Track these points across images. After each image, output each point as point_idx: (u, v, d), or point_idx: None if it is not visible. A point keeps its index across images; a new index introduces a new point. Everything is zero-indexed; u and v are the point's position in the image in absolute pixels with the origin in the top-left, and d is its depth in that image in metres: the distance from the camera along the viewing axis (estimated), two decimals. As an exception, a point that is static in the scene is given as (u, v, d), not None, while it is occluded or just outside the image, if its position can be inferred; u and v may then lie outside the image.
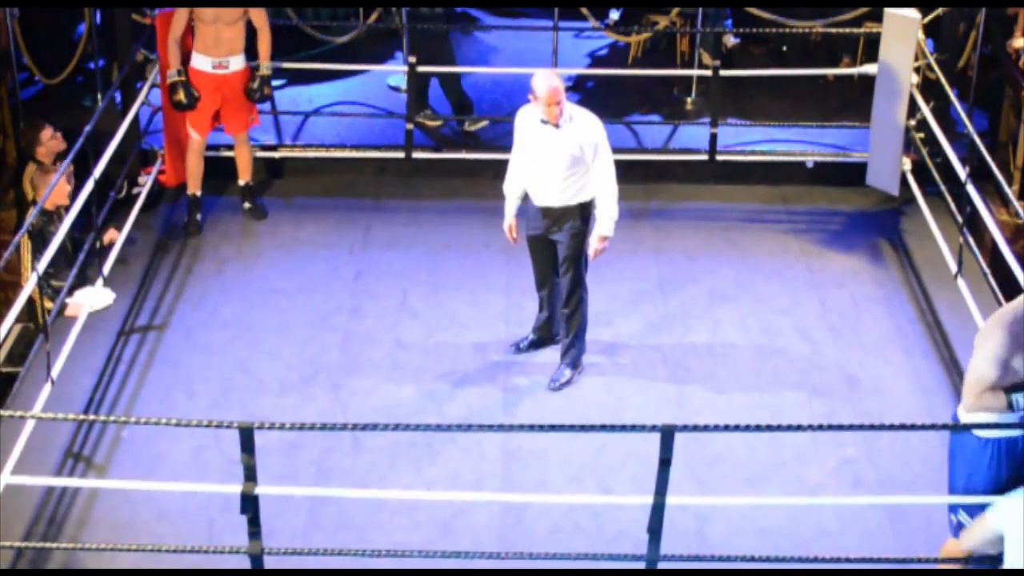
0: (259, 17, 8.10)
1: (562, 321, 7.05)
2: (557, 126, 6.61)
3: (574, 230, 6.81)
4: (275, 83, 9.68)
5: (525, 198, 6.95)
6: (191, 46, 8.09)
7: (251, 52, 8.25)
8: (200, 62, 8.05)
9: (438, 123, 9.35)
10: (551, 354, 7.22)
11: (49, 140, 7.94)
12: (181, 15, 7.94)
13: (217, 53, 8.02)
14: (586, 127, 6.64)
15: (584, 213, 6.81)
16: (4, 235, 7.95)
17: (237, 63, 8.11)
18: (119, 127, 8.12)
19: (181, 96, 8.02)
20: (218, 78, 8.07)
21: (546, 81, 6.55)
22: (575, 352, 7.08)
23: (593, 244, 6.78)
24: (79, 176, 7.57)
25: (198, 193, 8.38)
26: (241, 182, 8.49)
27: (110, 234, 7.81)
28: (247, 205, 8.49)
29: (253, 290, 7.88)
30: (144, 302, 7.76)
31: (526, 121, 6.76)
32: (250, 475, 5.16)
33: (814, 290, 7.91)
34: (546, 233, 6.90)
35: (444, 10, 9.15)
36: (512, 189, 6.93)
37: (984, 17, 8.82)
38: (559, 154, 6.65)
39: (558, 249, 6.91)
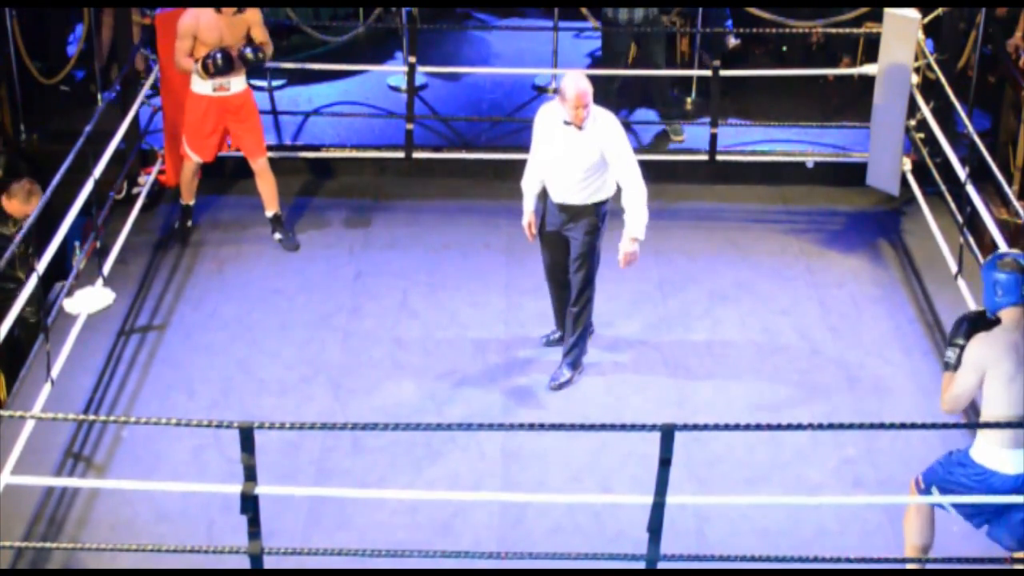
0: (260, 33, 8.00)
1: (568, 320, 7.04)
2: (581, 128, 6.62)
3: (589, 227, 6.81)
4: (275, 83, 9.71)
5: (543, 195, 6.95)
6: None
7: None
8: (200, 86, 7.95)
9: (681, 138, 9.22)
10: (552, 354, 7.22)
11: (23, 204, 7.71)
12: (185, 41, 7.81)
13: (217, 75, 7.96)
14: (608, 129, 6.65)
15: (600, 211, 6.82)
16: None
17: (238, 84, 8.00)
18: (119, 127, 8.12)
19: (219, 61, 7.76)
20: (220, 101, 7.97)
21: (575, 84, 6.55)
22: (576, 352, 7.08)
23: (624, 247, 6.73)
24: (79, 175, 7.55)
25: (191, 203, 8.37)
26: (268, 213, 8.30)
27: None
28: (278, 236, 8.29)
29: (253, 290, 7.88)
30: (144, 302, 7.76)
31: (548, 120, 6.75)
32: (250, 475, 5.16)
33: (814, 290, 7.91)
34: (561, 228, 6.91)
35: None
36: (530, 186, 6.93)
37: (984, 17, 8.82)
38: (582, 155, 6.65)
39: (572, 245, 6.91)
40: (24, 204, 7.53)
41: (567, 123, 6.63)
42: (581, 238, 6.84)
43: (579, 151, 6.65)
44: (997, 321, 5.35)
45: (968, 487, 5.35)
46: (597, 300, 7.21)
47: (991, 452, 5.30)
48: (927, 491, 5.50)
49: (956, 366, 5.36)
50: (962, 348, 5.36)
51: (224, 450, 6.52)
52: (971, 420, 6.49)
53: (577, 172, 6.70)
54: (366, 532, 6.09)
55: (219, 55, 7.76)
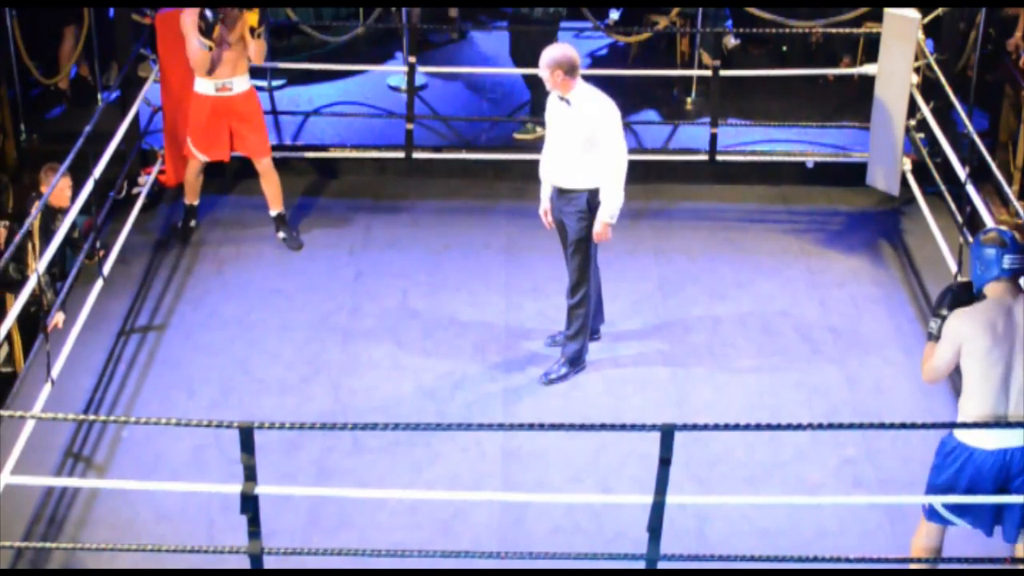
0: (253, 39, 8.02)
1: (566, 313, 7.04)
2: (568, 102, 6.67)
3: (580, 214, 6.81)
4: (275, 83, 9.72)
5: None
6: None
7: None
8: (203, 85, 7.94)
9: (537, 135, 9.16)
10: (554, 354, 7.22)
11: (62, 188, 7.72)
12: (195, 34, 7.77)
13: (220, 75, 7.93)
14: (597, 109, 6.69)
15: (593, 200, 6.82)
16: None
17: (241, 84, 7.99)
18: (119, 127, 8.12)
19: (208, 18, 7.69)
20: (222, 101, 7.97)
21: (549, 51, 6.67)
22: (574, 347, 7.07)
23: (596, 229, 6.79)
24: (79, 175, 7.56)
25: (196, 203, 8.37)
26: (272, 212, 8.29)
27: (57, 318, 7.27)
28: (281, 235, 8.29)
29: (253, 290, 7.88)
30: (144, 302, 7.76)
31: (551, 101, 6.84)
32: (250, 475, 5.16)
33: (814, 290, 7.91)
34: (560, 215, 6.93)
35: (554, 10, 9.07)
36: (543, 173, 6.98)
37: (984, 17, 8.81)
38: (570, 131, 6.70)
39: (567, 232, 6.92)
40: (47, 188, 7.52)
41: (560, 99, 6.71)
42: (574, 225, 6.85)
43: (568, 126, 6.70)
44: (982, 295, 5.38)
45: (956, 473, 5.34)
46: (603, 300, 7.22)
47: (970, 429, 5.32)
48: (930, 507, 5.49)
49: (938, 336, 5.41)
50: (944, 319, 5.40)
51: (224, 450, 6.52)
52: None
53: (568, 148, 6.73)
54: (366, 532, 6.09)
55: (208, 14, 7.71)
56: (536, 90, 9.12)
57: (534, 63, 8.97)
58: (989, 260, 5.32)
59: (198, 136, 8.08)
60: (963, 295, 5.43)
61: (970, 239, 7.66)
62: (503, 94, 9.72)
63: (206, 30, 7.75)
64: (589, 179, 6.77)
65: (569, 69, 6.64)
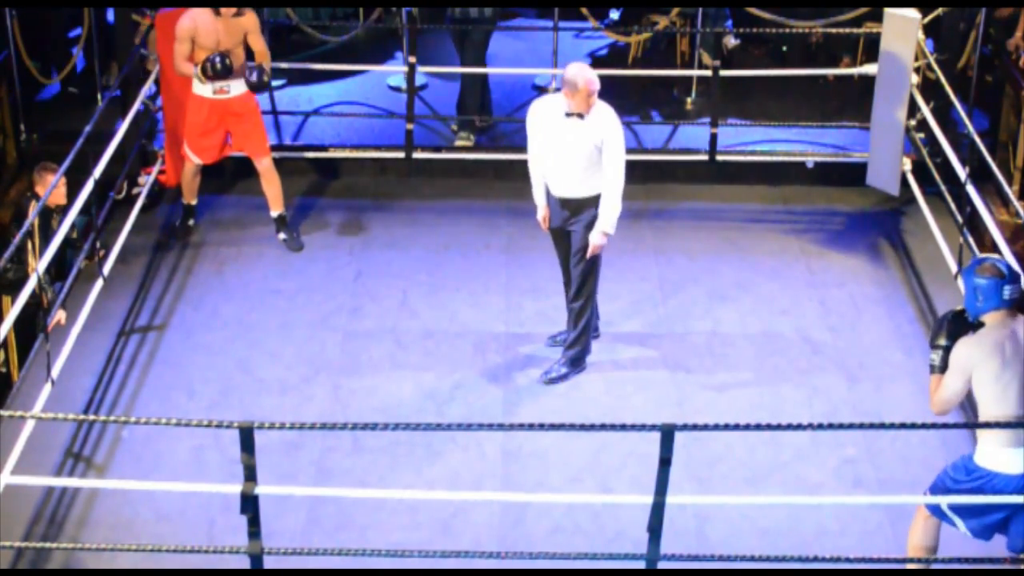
0: (257, 41, 8.01)
1: (568, 315, 7.04)
2: (582, 117, 6.64)
3: (590, 220, 6.82)
4: (275, 83, 9.70)
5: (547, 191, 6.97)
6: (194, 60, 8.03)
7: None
8: (201, 88, 7.95)
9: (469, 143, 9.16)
10: (554, 354, 7.22)
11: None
12: (183, 44, 7.82)
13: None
14: (609, 119, 6.68)
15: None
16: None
17: (238, 87, 7.99)
18: (119, 127, 8.12)
19: (217, 65, 7.75)
20: (221, 103, 7.97)
21: (584, 73, 6.59)
22: (577, 349, 7.07)
23: (593, 239, 6.79)
24: (78, 175, 7.55)
25: (194, 202, 8.37)
26: (273, 213, 8.28)
27: (59, 315, 7.28)
28: (282, 236, 8.28)
29: (253, 290, 7.88)
30: (144, 302, 7.76)
31: (545, 114, 6.78)
32: (250, 475, 5.16)
33: (814, 290, 7.91)
34: (564, 224, 6.92)
35: (493, 11, 9.06)
36: (536, 180, 6.96)
37: (984, 17, 8.82)
38: (584, 145, 6.68)
39: (572, 239, 6.91)
40: (44, 188, 7.50)
41: (569, 115, 6.66)
42: (581, 232, 6.85)
43: (583, 141, 6.68)
44: (979, 323, 5.36)
45: (973, 492, 5.33)
46: (597, 300, 7.22)
47: (993, 454, 5.30)
48: (935, 506, 5.47)
49: (942, 368, 5.37)
50: (945, 349, 5.37)
51: (224, 450, 6.52)
52: (969, 419, 6.50)
53: (581, 162, 6.72)
54: (366, 532, 6.09)
55: (218, 59, 7.75)
56: (470, 93, 9.13)
57: (478, 63, 9.01)
58: (988, 292, 5.28)
59: (193, 138, 8.09)
60: (960, 324, 5.40)
61: (970, 239, 7.67)
62: (503, 94, 9.71)
63: (211, 75, 7.79)
64: (598, 187, 6.77)
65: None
